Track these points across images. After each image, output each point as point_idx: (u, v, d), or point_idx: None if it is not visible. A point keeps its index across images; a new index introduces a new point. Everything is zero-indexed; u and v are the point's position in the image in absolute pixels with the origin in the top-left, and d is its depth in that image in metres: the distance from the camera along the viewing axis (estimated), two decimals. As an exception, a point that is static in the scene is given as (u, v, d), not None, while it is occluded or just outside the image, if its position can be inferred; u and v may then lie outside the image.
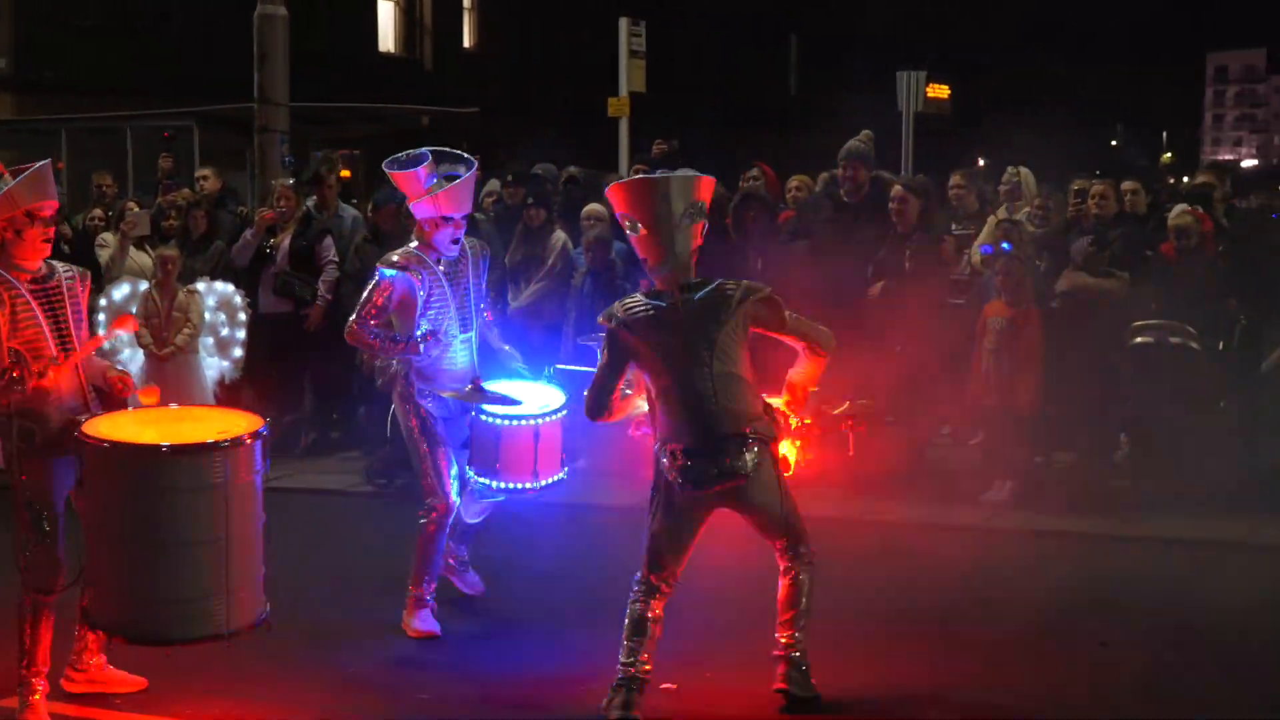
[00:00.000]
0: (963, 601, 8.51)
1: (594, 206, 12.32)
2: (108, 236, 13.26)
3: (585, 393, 6.80)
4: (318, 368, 13.07)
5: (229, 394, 12.84)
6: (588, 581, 8.56)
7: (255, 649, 7.36)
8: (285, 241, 12.74)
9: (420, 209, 7.82)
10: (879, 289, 11.01)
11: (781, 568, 6.81)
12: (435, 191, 7.76)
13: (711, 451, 6.51)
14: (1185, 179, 15.24)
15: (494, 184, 15.71)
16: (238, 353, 12.27)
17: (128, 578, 6.40)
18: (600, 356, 6.77)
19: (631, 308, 6.66)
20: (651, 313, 6.60)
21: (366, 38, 35.67)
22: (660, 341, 6.56)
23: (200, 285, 12.19)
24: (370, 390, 11.96)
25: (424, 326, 7.72)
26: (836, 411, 6.95)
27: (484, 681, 7.34)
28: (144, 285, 12.07)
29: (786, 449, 6.92)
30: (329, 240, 12.85)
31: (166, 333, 11.78)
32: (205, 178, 14.63)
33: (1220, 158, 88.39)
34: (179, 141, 21.10)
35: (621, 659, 6.68)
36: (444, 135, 29.40)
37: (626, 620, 6.73)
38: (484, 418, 7.65)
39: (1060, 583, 8.84)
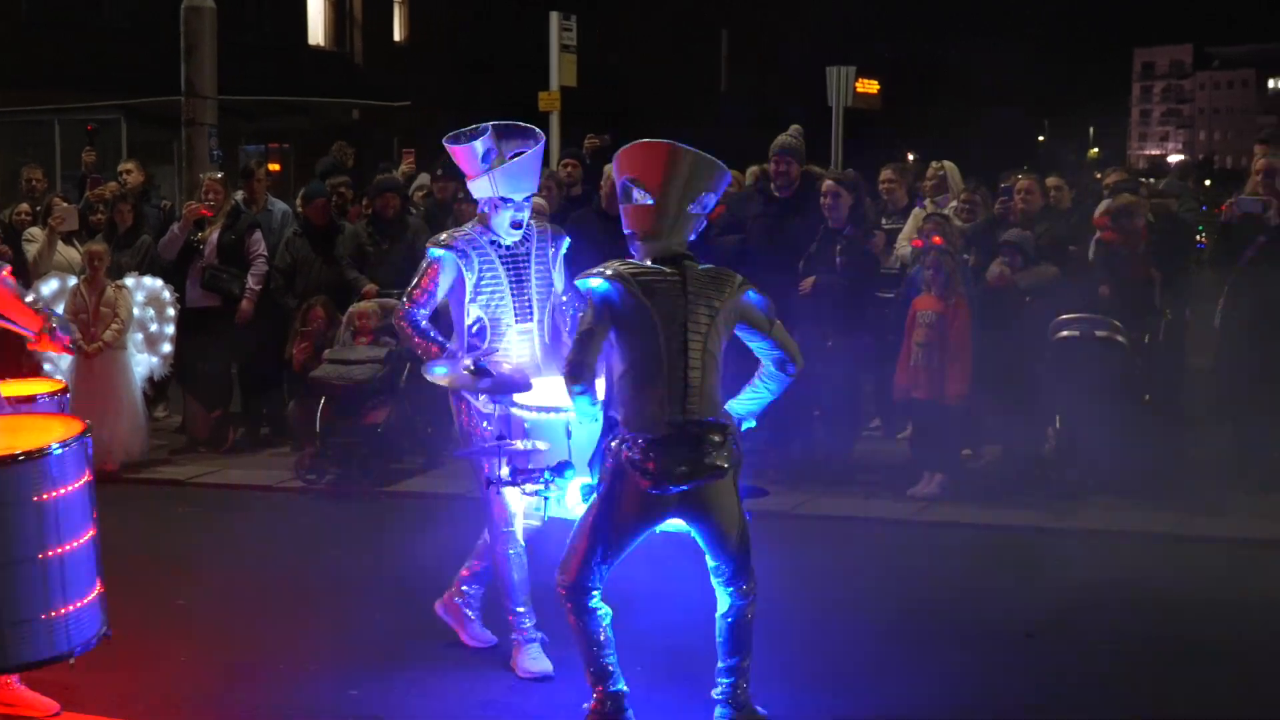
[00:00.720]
0: (891, 595, 8.56)
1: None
2: (35, 231, 13.13)
3: (566, 356, 6.29)
4: (246, 362, 12.97)
5: (157, 389, 12.77)
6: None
7: (174, 646, 7.33)
8: (213, 235, 12.63)
9: (477, 188, 7.25)
10: (810, 283, 11.05)
11: (726, 607, 6.36)
12: (493, 169, 7.15)
13: (686, 442, 6.08)
14: (1098, 176, 15.32)
15: (424, 178, 15.71)
16: (167, 348, 12.18)
17: None
18: (585, 314, 6.23)
19: (634, 268, 6.25)
20: (657, 277, 6.20)
21: (296, 31, 35.50)
22: (662, 304, 6.15)
23: (129, 280, 12.10)
24: (299, 385, 11.91)
25: (473, 314, 7.13)
26: None
27: (408, 677, 7.27)
28: (72, 281, 11.98)
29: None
30: (258, 234, 12.75)
31: (95, 328, 11.69)
32: (129, 171, 14.50)
33: (1147, 152, 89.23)
34: (106, 134, 20.90)
35: (606, 674, 6.32)
36: (374, 129, 29.32)
37: (588, 632, 6.30)
38: (514, 410, 6.80)
39: (988, 576, 8.91)
